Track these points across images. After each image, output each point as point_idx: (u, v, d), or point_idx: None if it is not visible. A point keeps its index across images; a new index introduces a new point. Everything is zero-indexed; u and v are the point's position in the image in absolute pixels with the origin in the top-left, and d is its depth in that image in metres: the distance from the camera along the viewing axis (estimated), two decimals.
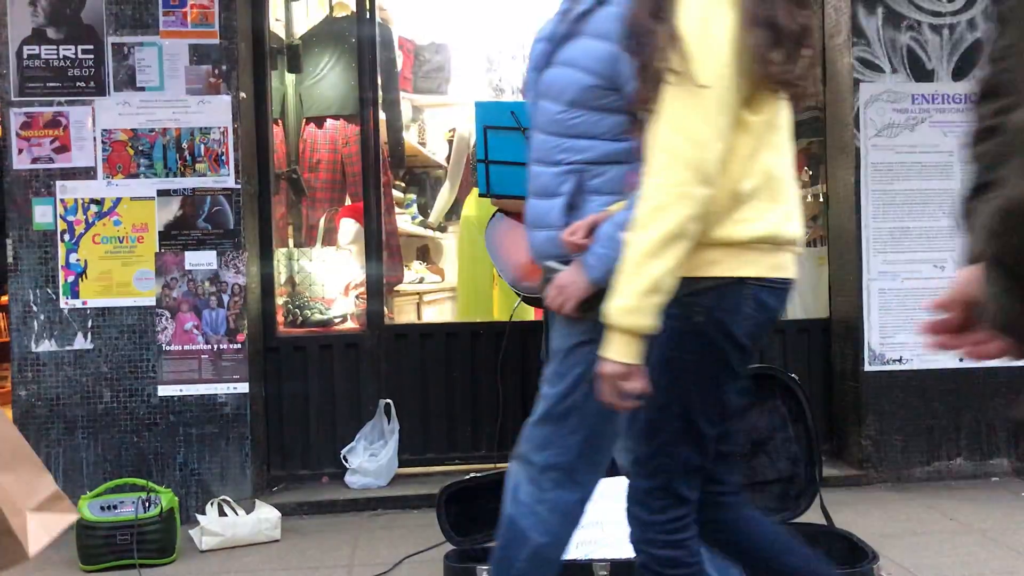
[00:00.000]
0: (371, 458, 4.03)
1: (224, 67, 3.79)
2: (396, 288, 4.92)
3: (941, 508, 3.73)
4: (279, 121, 4.77)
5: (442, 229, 5.97)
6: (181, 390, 3.77)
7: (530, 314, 4.29)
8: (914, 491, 4.01)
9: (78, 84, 3.75)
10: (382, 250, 4.27)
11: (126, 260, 3.76)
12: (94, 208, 3.75)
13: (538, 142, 2.06)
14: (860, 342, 4.11)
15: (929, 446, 4.15)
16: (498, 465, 4.06)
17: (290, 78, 4.90)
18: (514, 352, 4.03)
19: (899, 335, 4.12)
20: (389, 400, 4.11)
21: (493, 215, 3.58)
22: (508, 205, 3.51)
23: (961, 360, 4.14)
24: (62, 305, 3.73)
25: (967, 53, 4.16)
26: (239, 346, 3.81)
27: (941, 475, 4.14)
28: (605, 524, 2.73)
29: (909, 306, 4.12)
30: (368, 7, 4.24)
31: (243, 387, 3.80)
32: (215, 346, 3.79)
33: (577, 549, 2.67)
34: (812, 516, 2.93)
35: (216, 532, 3.41)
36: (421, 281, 5.53)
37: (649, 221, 1.56)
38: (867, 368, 4.12)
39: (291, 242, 4.90)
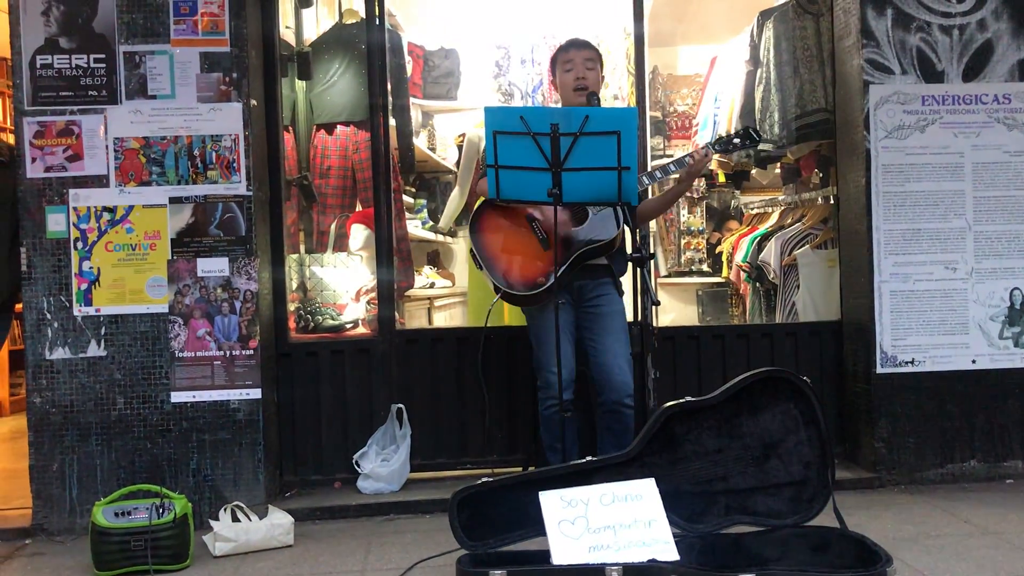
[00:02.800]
0: (383, 463, 4.03)
1: (235, 75, 3.81)
2: (407, 293, 4.94)
3: (955, 511, 3.72)
4: (290, 128, 4.79)
5: (452, 234, 5.99)
6: (194, 396, 3.79)
7: (504, 318, 4.34)
8: (927, 493, 3.99)
9: (90, 93, 3.78)
10: (393, 255, 4.28)
11: (139, 267, 3.78)
12: (107, 216, 3.77)
13: None
14: (872, 344, 4.10)
15: (942, 448, 4.13)
16: (510, 469, 4.07)
17: (300, 85, 4.92)
18: (524, 357, 4.02)
19: (911, 337, 4.11)
20: (401, 405, 4.12)
21: (478, 207, 3.60)
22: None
23: (974, 361, 4.13)
24: (75, 313, 3.75)
25: (977, 54, 4.15)
26: (251, 352, 3.82)
27: (955, 477, 4.12)
28: (617, 528, 2.73)
29: (921, 308, 4.11)
30: (377, 14, 4.26)
31: (255, 393, 3.82)
32: (227, 352, 3.81)
33: (590, 553, 2.68)
34: (825, 519, 2.92)
35: (229, 538, 3.43)
36: (432, 286, 5.55)
37: None
38: (879, 370, 4.10)
39: (302, 248, 4.92)
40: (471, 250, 3.55)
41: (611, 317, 3.54)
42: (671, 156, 5.99)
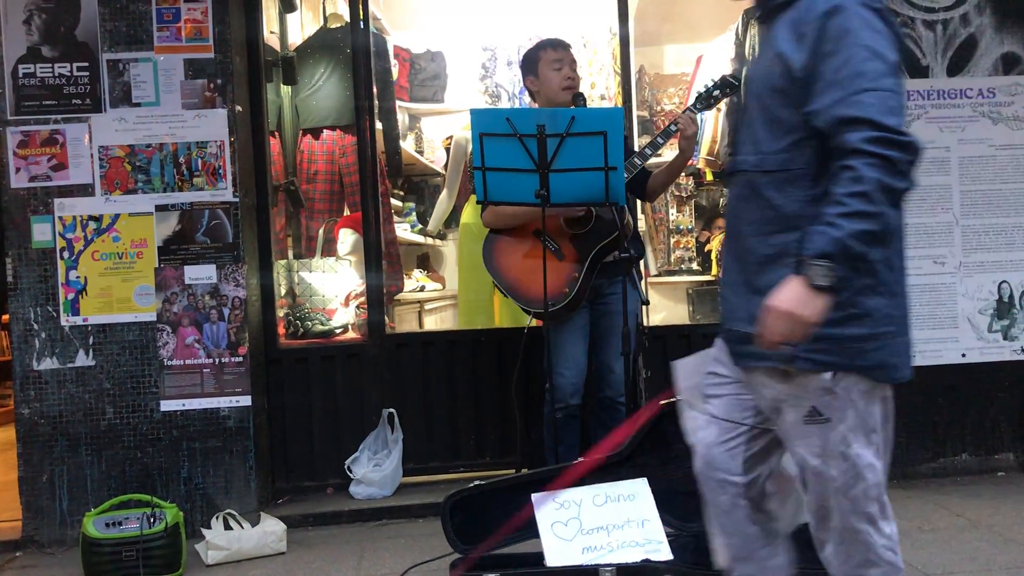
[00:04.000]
0: (375, 468, 4.02)
1: (219, 81, 3.80)
2: (397, 297, 4.92)
3: (948, 504, 3.72)
4: (275, 133, 4.77)
5: (441, 237, 5.97)
6: (184, 404, 3.77)
7: (495, 320, 4.34)
8: (920, 488, 4.00)
9: (74, 101, 3.75)
10: (382, 259, 4.27)
11: (126, 276, 3.76)
12: (93, 225, 3.75)
13: None
14: None
15: (934, 442, 4.14)
16: (502, 472, 4.06)
17: (286, 90, 4.91)
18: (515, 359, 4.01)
19: None
20: (392, 409, 4.11)
21: (486, 237, 3.58)
22: (497, 222, 3.51)
23: (964, 355, 4.14)
24: (63, 322, 3.73)
25: (961, 48, 4.17)
26: (241, 359, 3.81)
27: (947, 471, 4.13)
28: (610, 529, 2.73)
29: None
30: (362, 17, 4.25)
31: (246, 400, 3.80)
32: (217, 360, 3.79)
33: (583, 554, 2.67)
34: None
35: (221, 546, 3.41)
36: (421, 289, 5.53)
37: None
38: None
39: (290, 254, 4.91)
40: (494, 283, 3.54)
41: (619, 316, 3.52)
42: (659, 156, 5.98)
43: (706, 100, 3.51)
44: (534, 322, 3.51)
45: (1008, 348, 4.16)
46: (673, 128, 3.45)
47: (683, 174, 6.18)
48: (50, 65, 3.75)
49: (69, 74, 3.75)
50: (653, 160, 3.71)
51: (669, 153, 4.65)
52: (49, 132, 3.74)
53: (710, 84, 3.54)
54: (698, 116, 3.54)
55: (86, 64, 3.76)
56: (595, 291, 3.49)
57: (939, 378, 4.13)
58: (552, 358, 3.47)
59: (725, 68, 5.11)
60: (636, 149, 3.81)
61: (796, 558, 2.68)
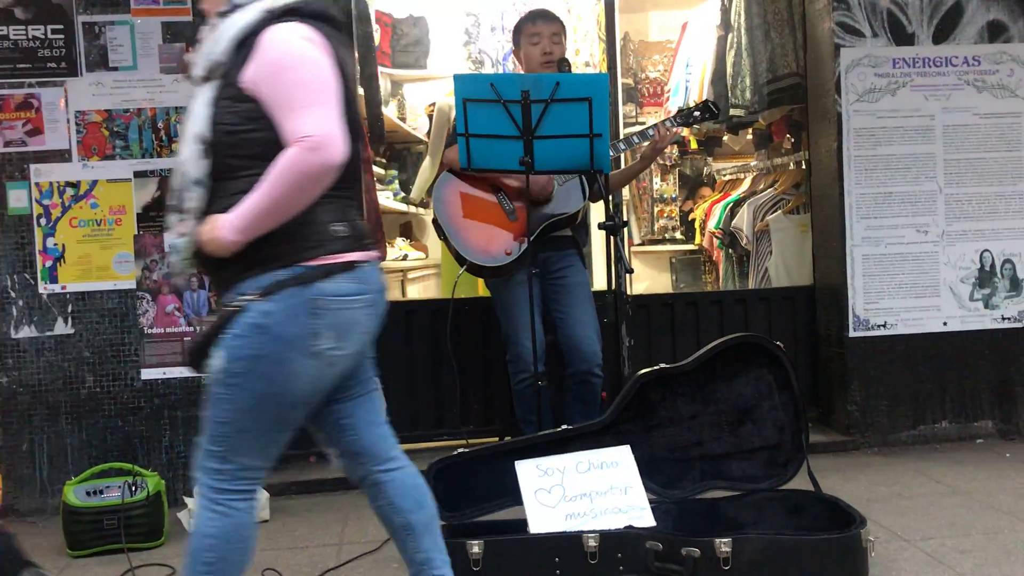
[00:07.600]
0: None
1: (198, 45, 3.72)
2: (379, 265, 4.88)
3: (927, 471, 3.76)
4: None
5: (424, 205, 5.93)
6: (164, 373, 3.74)
7: (478, 289, 4.30)
8: (900, 455, 4.04)
9: (49, 65, 3.68)
10: None
11: (104, 243, 3.72)
12: (70, 191, 3.69)
13: None
14: (844, 308, 4.12)
15: (914, 410, 4.17)
16: (486, 440, 4.07)
17: None
18: (499, 328, 4.00)
19: (883, 300, 4.13)
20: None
21: (442, 176, 3.55)
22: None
23: (945, 324, 4.17)
24: (41, 290, 3.68)
25: (947, 16, 4.15)
26: None
27: (927, 439, 4.17)
28: (593, 496, 2.73)
29: (893, 271, 4.13)
30: None
31: None
32: (198, 328, 3.76)
33: (567, 521, 2.68)
34: (799, 483, 2.94)
35: None
36: (405, 258, 5.50)
37: None
38: (852, 334, 4.13)
39: None
40: (434, 220, 3.51)
41: (578, 288, 3.53)
42: (643, 123, 5.96)
43: (685, 118, 3.59)
44: (479, 286, 3.45)
45: (989, 317, 4.19)
46: (650, 133, 3.49)
47: (668, 144, 6.19)
48: (24, 27, 3.67)
49: (44, 36, 3.67)
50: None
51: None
52: (24, 96, 3.67)
53: (692, 106, 3.65)
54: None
55: (61, 27, 3.68)
56: (544, 264, 3.48)
57: (920, 347, 4.15)
58: (508, 329, 3.48)
59: (711, 34, 5.07)
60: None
61: (779, 522, 2.70)
